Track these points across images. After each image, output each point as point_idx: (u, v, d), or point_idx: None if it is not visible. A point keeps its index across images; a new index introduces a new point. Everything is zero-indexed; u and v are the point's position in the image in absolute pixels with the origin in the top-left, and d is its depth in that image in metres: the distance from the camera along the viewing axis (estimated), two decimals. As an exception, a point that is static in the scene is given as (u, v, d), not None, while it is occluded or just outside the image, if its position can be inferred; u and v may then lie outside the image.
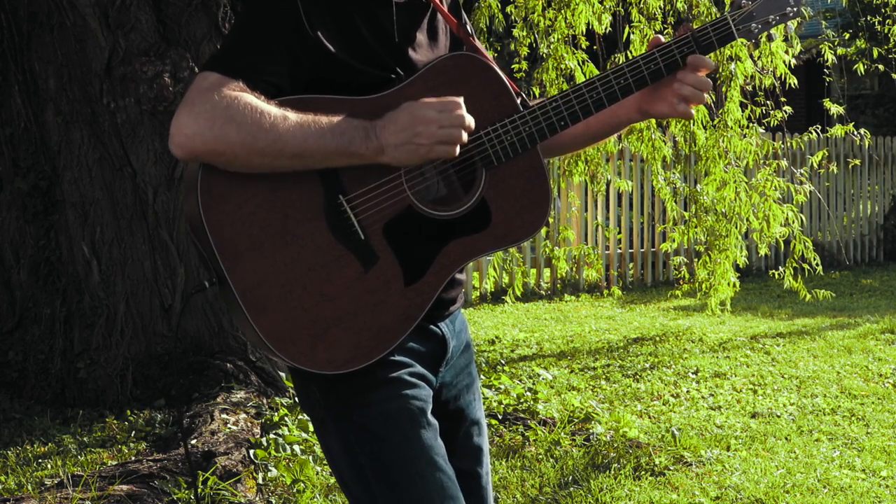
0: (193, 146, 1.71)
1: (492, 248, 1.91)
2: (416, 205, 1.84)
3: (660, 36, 1.98)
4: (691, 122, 6.31)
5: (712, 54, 1.98)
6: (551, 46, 6.23)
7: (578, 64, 6.24)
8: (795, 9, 1.97)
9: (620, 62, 6.33)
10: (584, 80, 6.13)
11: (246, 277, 1.76)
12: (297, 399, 4.64)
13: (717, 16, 6.17)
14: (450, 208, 1.87)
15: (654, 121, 4.74)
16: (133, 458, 4.16)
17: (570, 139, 2.09)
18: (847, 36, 13.51)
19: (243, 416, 4.50)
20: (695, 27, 1.96)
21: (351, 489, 1.92)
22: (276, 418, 4.45)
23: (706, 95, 1.96)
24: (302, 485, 3.97)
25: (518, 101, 1.92)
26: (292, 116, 1.74)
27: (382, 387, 1.86)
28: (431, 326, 1.94)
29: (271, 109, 1.73)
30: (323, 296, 1.80)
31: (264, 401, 4.81)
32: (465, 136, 1.82)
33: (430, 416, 1.90)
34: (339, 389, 1.86)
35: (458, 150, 1.82)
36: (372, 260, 1.82)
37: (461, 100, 1.82)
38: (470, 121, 1.82)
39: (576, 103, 1.92)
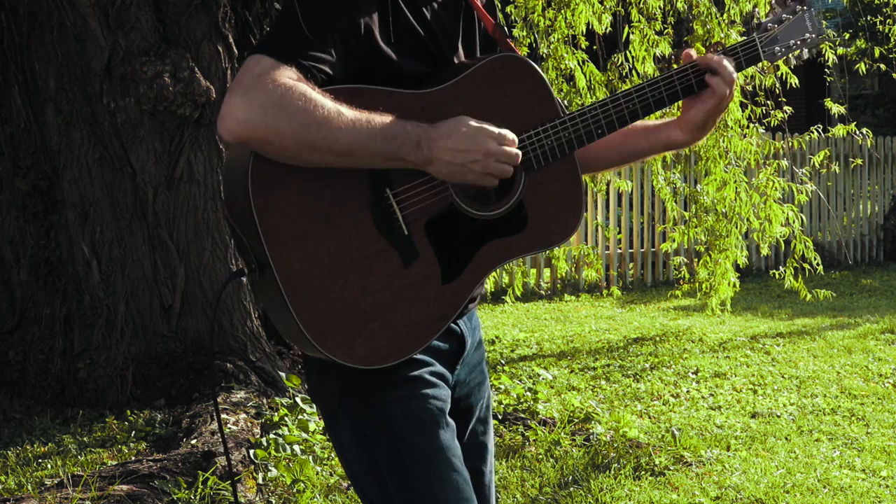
0: (244, 132, 1.69)
1: (527, 250, 1.92)
2: (457, 203, 1.85)
3: (691, 51, 2.02)
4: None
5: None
6: (551, 46, 6.23)
7: (578, 64, 6.23)
8: (814, 35, 2.06)
9: (620, 61, 6.35)
10: (584, 80, 6.18)
11: (290, 266, 1.74)
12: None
13: (717, 16, 6.19)
14: (489, 209, 1.89)
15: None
16: (133, 458, 4.16)
17: (605, 152, 2.09)
18: (847, 36, 13.50)
19: (243, 416, 4.50)
20: (726, 45, 2.03)
21: (362, 485, 1.92)
22: (276, 418, 4.45)
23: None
24: (302, 485, 3.97)
25: (558, 106, 1.95)
26: (346, 113, 1.73)
27: (403, 385, 1.86)
28: (452, 324, 1.95)
29: (326, 103, 1.71)
30: (363, 289, 1.79)
31: (264, 401, 4.81)
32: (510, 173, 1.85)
33: (448, 417, 1.90)
34: (359, 385, 1.85)
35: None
36: (412, 256, 1.82)
37: (516, 139, 1.85)
38: (518, 158, 1.85)
39: (613, 113, 1.96)
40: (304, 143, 1.70)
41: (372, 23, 1.80)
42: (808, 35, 2.05)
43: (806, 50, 2.13)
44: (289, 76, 1.70)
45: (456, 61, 1.94)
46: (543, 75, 1.94)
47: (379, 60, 1.81)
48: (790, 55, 2.10)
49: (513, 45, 2.01)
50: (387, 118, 1.76)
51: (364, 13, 1.79)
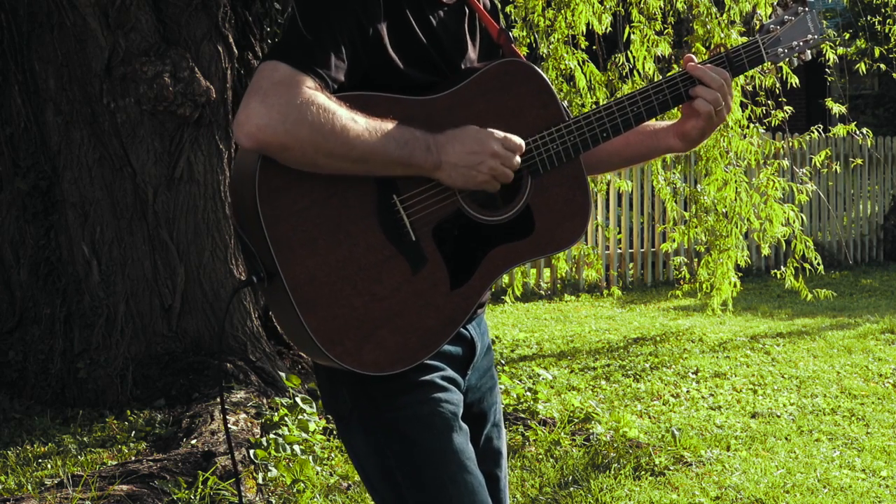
0: (264, 137, 1.70)
1: (533, 255, 1.93)
2: (464, 208, 1.86)
3: (692, 56, 2.04)
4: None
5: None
6: (551, 46, 6.23)
7: (578, 64, 6.23)
8: (817, 36, 2.08)
9: (620, 61, 6.35)
10: (584, 80, 6.18)
11: (298, 273, 1.75)
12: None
13: (717, 16, 6.19)
14: (496, 214, 1.89)
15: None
16: (133, 458, 4.16)
17: (607, 156, 2.11)
18: (847, 36, 13.51)
19: (243, 416, 4.50)
20: (729, 47, 2.03)
21: (378, 491, 1.93)
22: (276, 418, 4.45)
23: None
24: (302, 485, 3.97)
25: (562, 110, 1.96)
26: (361, 121, 1.74)
27: (415, 390, 1.87)
28: (461, 329, 1.95)
29: (342, 111, 1.73)
30: (372, 296, 1.80)
31: (264, 401, 4.81)
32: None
33: (461, 421, 1.91)
34: (370, 391, 1.86)
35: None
36: (421, 262, 1.83)
37: (523, 144, 1.87)
38: (518, 165, 1.87)
39: (618, 116, 1.97)
40: (322, 150, 1.72)
41: (381, 30, 1.81)
42: (810, 36, 2.07)
43: (808, 50, 2.14)
44: (307, 84, 1.72)
45: (463, 68, 1.94)
46: (547, 80, 1.95)
47: (384, 68, 1.83)
48: (792, 56, 2.11)
49: (517, 50, 2.02)
50: (398, 125, 1.78)
51: (373, 21, 1.80)
